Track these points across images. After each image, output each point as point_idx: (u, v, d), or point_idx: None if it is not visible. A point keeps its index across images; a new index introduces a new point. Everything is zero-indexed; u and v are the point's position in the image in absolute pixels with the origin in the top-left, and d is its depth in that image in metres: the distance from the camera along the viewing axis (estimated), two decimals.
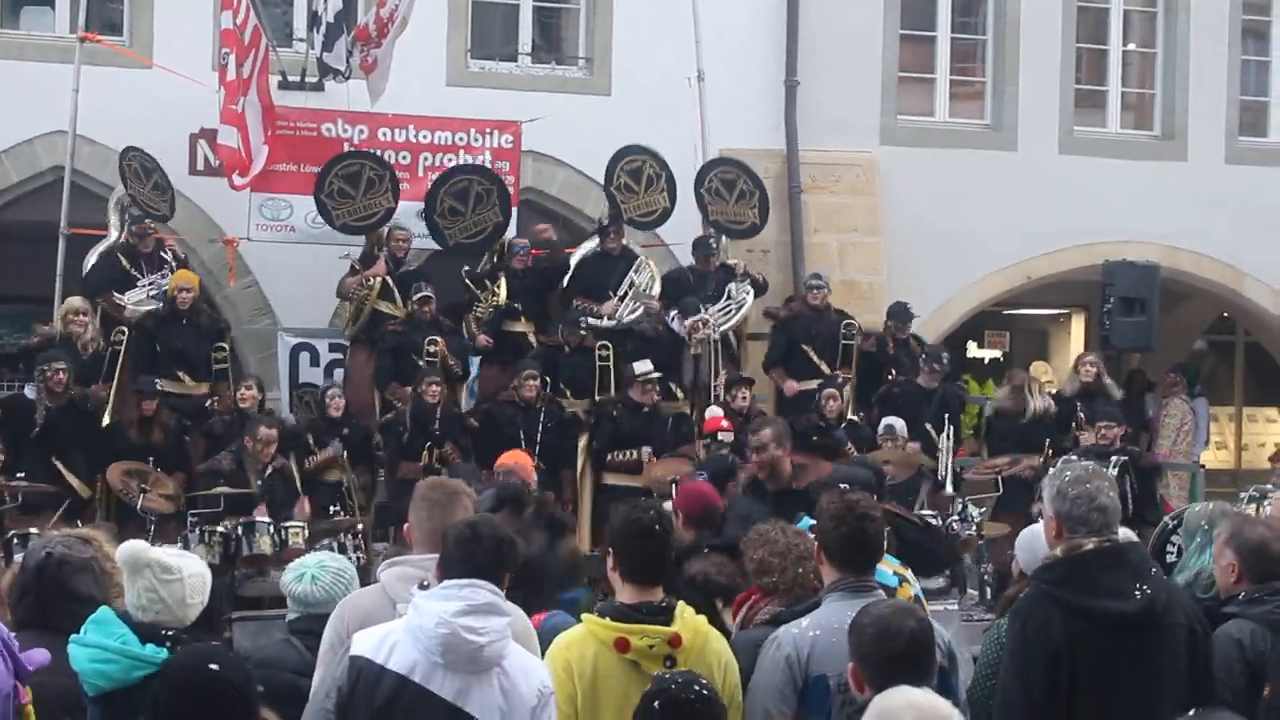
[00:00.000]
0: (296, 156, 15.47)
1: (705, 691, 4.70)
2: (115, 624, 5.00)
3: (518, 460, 10.71)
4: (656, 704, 4.61)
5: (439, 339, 14.45)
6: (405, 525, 5.77)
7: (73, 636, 4.95)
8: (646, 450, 13.88)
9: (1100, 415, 14.53)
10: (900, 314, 15.68)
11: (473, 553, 4.98)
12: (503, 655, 4.91)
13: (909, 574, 6.83)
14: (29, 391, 13.20)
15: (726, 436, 13.10)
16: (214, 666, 4.44)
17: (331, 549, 11.36)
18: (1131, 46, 19.44)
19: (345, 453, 13.60)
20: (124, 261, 14.58)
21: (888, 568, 6.71)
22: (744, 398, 14.28)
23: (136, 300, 14.32)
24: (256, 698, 4.53)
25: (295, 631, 6.16)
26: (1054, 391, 16.23)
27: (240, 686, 4.45)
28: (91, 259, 14.72)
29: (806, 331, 15.35)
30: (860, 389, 15.47)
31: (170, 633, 5.06)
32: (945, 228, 17.56)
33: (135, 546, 5.31)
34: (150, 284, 14.42)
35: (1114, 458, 13.83)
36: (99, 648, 4.88)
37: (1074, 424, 15.00)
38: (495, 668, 4.88)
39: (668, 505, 8.04)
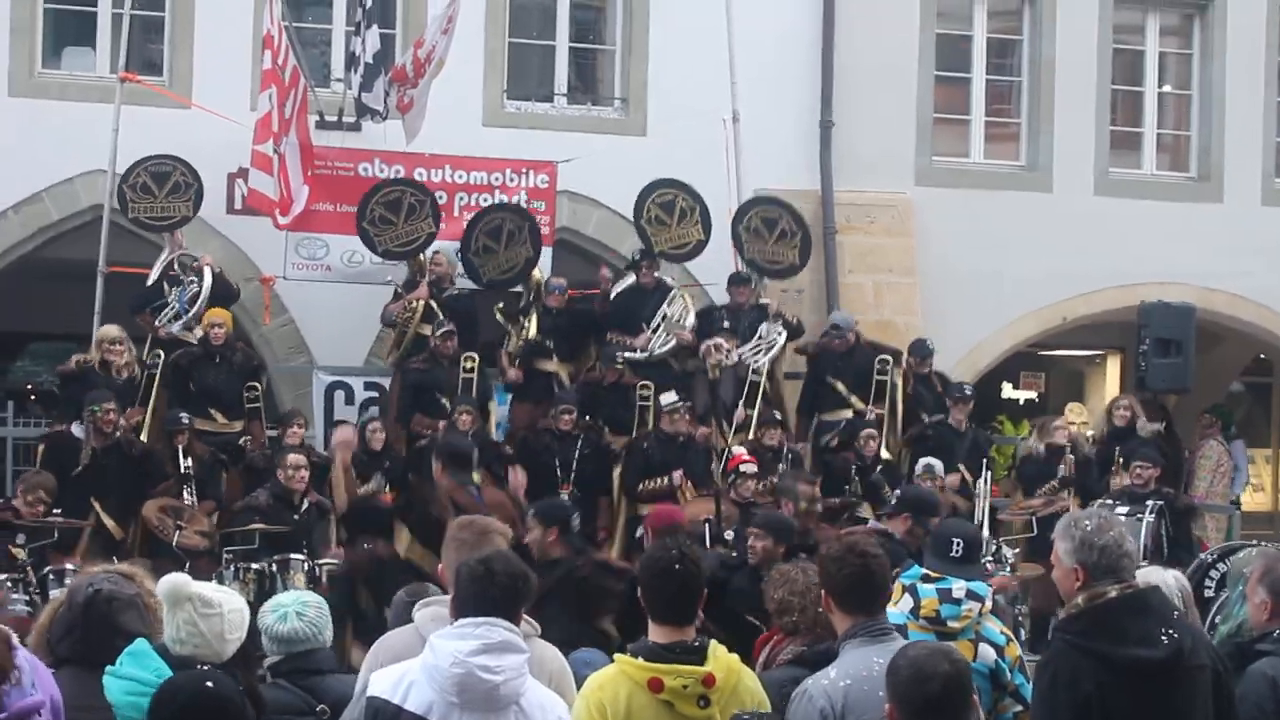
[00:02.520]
0: (333, 196, 15.55)
1: None
2: (151, 657, 5.03)
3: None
4: None
5: (475, 355, 14.51)
6: (439, 566, 5.76)
7: (108, 669, 4.97)
8: (678, 474, 13.77)
9: (1136, 455, 14.46)
10: (920, 350, 15.64)
11: (487, 589, 4.97)
12: (520, 693, 4.90)
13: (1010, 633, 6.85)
14: (76, 430, 13.22)
15: (749, 468, 13.08)
16: (210, 684, 4.46)
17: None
18: (1167, 88, 19.45)
19: (388, 485, 13.61)
20: (165, 285, 14.64)
21: (995, 627, 6.75)
22: (773, 437, 14.25)
23: (167, 318, 14.36)
24: (252, 716, 4.55)
25: (280, 674, 6.05)
26: (1091, 434, 16.17)
27: (236, 704, 4.46)
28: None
29: (834, 365, 15.32)
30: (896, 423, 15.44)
31: (206, 667, 5.07)
32: (980, 269, 17.55)
33: (177, 580, 5.34)
34: (176, 297, 14.43)
35: (1150, 501, 13.76)
36: (134, 680, 4.90)
37: (1112, 467, 14.92)
38: (513, 705, 4.87)
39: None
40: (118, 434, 13.12)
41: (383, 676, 4.96)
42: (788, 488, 12.13)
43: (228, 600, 5.36)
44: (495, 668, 4.80)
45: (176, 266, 14.69)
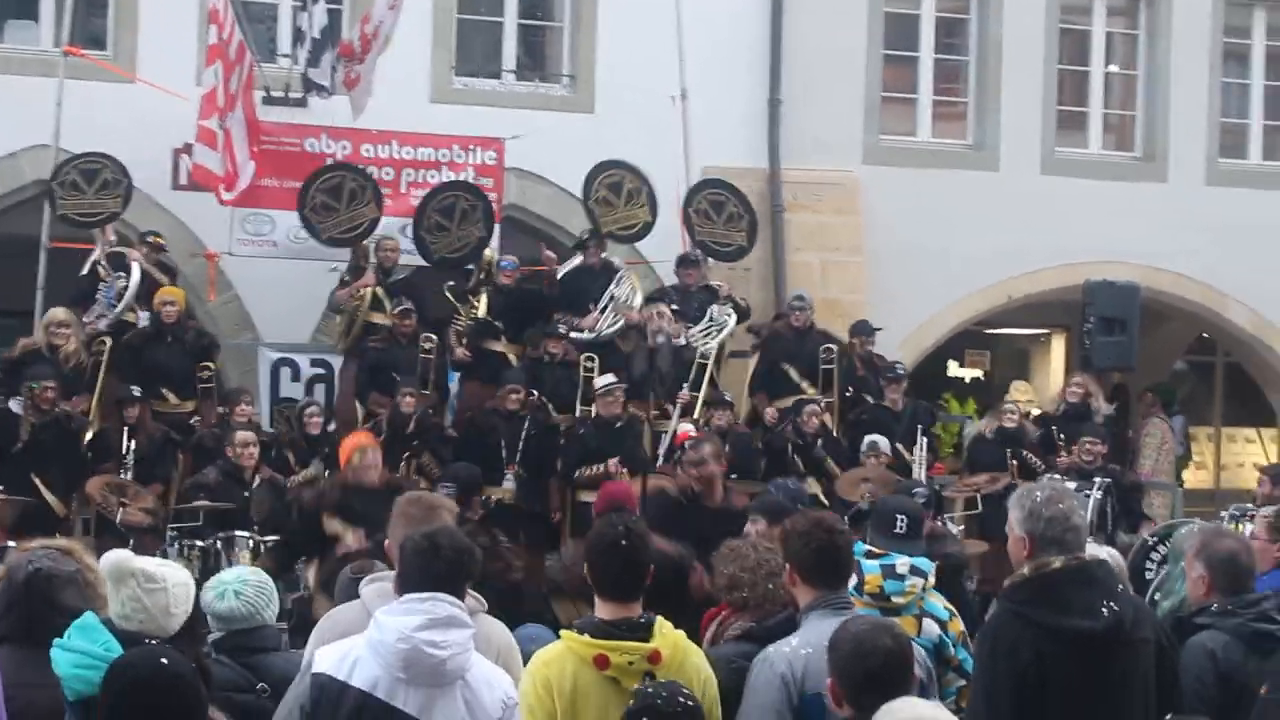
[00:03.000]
0: (279, 172, 15.47)
1: (690, 702, 4.73)
2: (99, 630, 5.01)
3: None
4: (645, 719, 4.64)
5: (434, 336, 14.51)
6: (386, 541, 5.74)
7: (56, 641, 4.95)
8: (613, 462, 13.70)
9: (1084, 432, 14.56)
10: (863, 329, 15.71)
11: (431, 564, 4.96)
12: (465, 668, 4.90)
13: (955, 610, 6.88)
14: (13, 405, 13.14)
15: None
16: (164, 661, 4.45)
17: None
18: (1113, 68, 19.56)
19: (327, 471, 13.59)
20: (103, 269, 14.52)
21: (938, 601, 6.78)
22: (721, 418, 14.23)
23: (94, 314, 14.22)
24: (205, 692, 4.53)
25: (223, 650, 6.02)
26: (1038, 412, 16.28)
27: (190, 680, 4.45)
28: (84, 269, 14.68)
29: (787, 350, 15.35)
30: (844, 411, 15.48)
31: (153, 641, 5.06)
32: (927, 247, 17.61)
33: (119, 556, 5.31)
34: (106, 290, 14.32)
35: (1097, 478, 13.86)
36: (82, 653, 4.88)
37: (1056, 444, 15.02)
38: (459, 680, 4.87)
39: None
40: (56, 410, 13.02)
41: (327, 653, 4.95)
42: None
43: (172, 575, 5.33)
44: (441, 643, 4.80)
45: (104, 262, 14.54)
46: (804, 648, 5.36)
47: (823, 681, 5.06)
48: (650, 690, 4.83)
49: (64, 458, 13.12)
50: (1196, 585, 6.20)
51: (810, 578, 5.62)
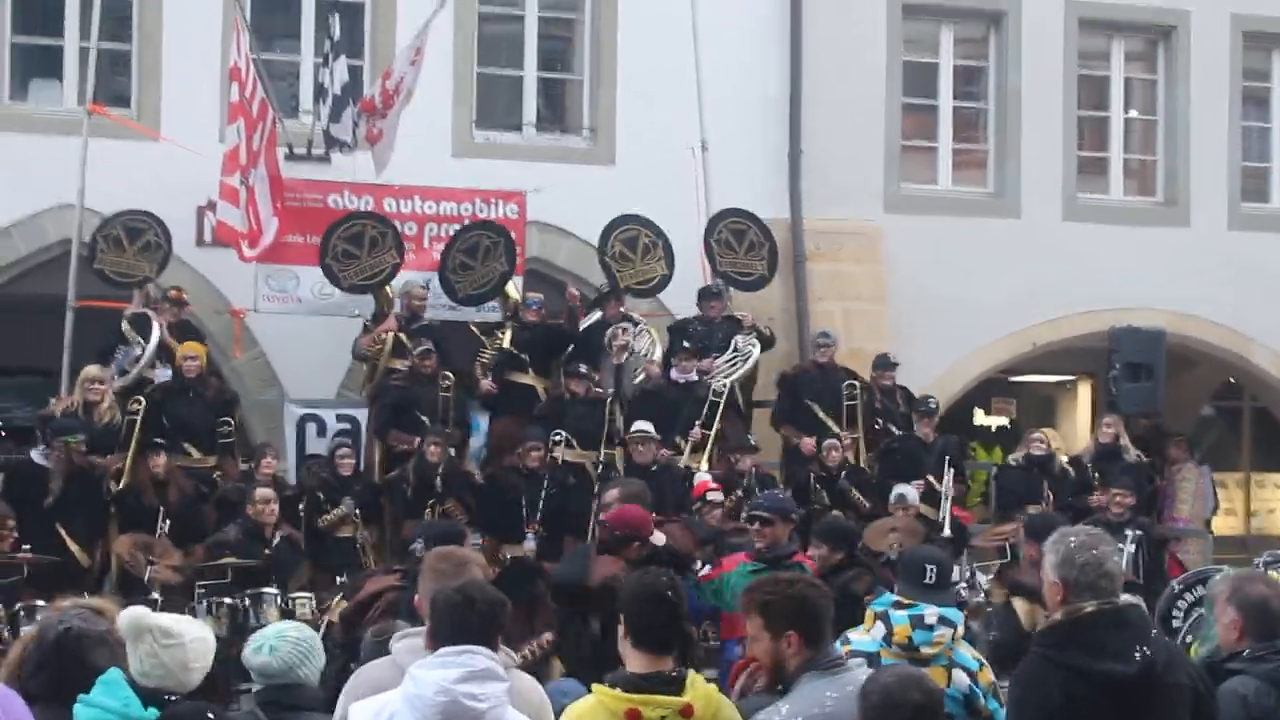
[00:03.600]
0: (303, 228, 15.52)
1: None
2: (121, 686, 5.02)
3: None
4: None
5: (451, 375, 14.59)
6: (415, 597, 5.72)
7: (81, 696, 4.95)
8: None
9: (1116, 484, 14.49)
10: (883, 364, 15.71)
11: (466, 617, 4.96)
12: None
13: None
14: (36, 456, 13.16)
15: (715, 496, 13.06)
16: (210, 716, 4.44)
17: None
18: (1133, 114, 19.56)
19: (358, 510, 13.59)
20: (126, 332, 14.55)
21: (967, 651, 6.74)
22: (745, 463, 14.25)
23: (112, 373, 14.19)
24: None
25: (263, 704, 6.04)
26: (1068, 455, 16.23)
27: None
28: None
29: (812, 388, 15.37)
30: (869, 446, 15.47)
31: (174, 697, 5.07)
32: (950, 295, 17.59)
33: (135, 612, 5.31)
34: (125, 353, 14.36)
35: (1129, 531, 13.80)
36: (101, 709, 4.89)
37: (1092, 486, 14.97)
38: None
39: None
40: (79, 462, 13.08)
41: (362, 708, 4.94)
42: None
43: (189, 630, 5.33)
44: (480, 695, 4.79)
45: (127, 326, 14.57)
46: (794, 717, 5.18)
47: None
48: None
49: (88, 509, 13.21)
50: (1229, 630, 6.15)
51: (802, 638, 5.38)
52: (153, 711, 5.06)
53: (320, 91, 15.56)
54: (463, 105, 17.16)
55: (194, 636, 5.37)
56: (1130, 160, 19.50)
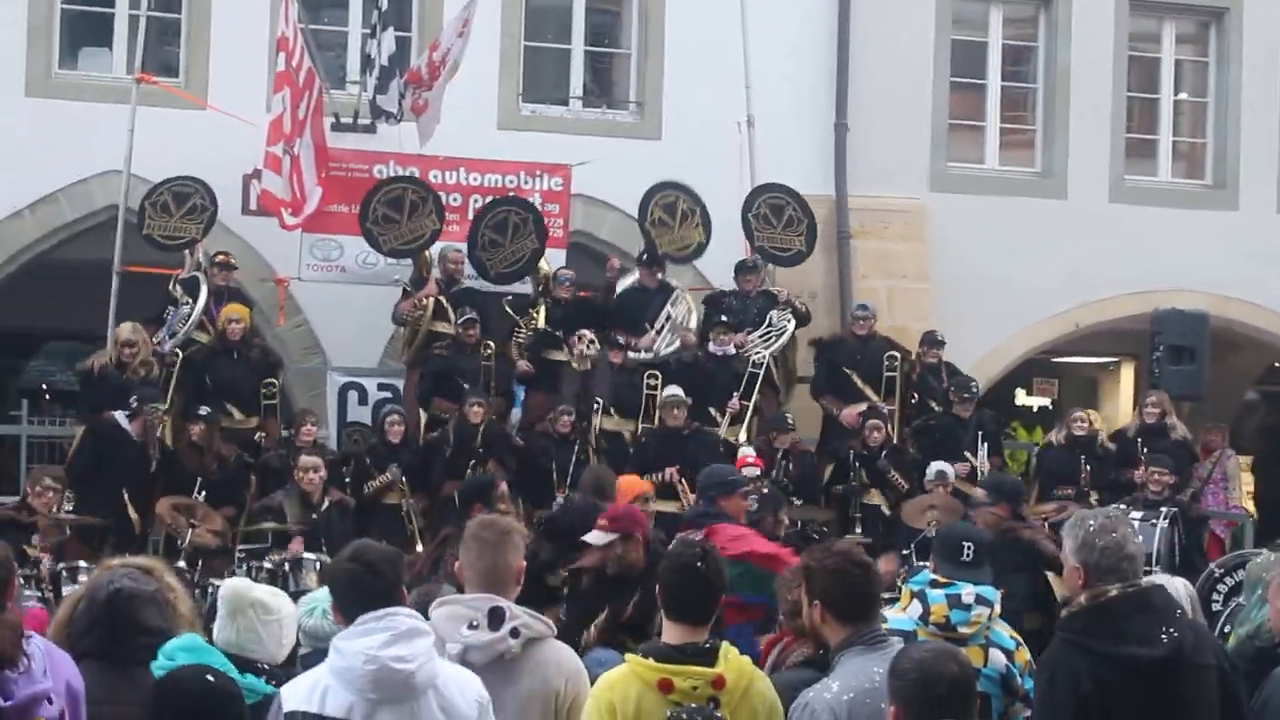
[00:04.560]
0: (348, 198, 15.57)
1: None
2: (211, 652, 5.09)
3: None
4: None
5: (492, 343, 14.62)
6: (456, 563, 5.74)
7: (162, 665, 5.02)
8: (671, 470, 13.73)
9: (1154, 461, 14.40)
10: (930, 340, 15.64)
11: (370, 584, 4.93)
12: (435, 675, 4.87)
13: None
14: (120, 418, 13.27)
15: (751, 472, 13.09)
16: (210, 678, 4.48)
17: None
18: (1183, 95, 19.42)
19: (404, 476, 13.64)
20: (176, 293, 14.65)
21: (1005, 631, 6.73)
22: (783, 441, 14.27)
23: (161, 336, 14.35)
24: (248, 714, 4.57)
25: (307, 667, 6.12)
26: (1111, 432, 16.13)
27: (237, 699, 4.48)
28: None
29: (851, 357, 15.31)
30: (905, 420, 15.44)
31: (265, 666, 5.19)
32: (994, 275, 17.54)
33: (239, 585, 5.38)
34: (174, 314, 14.45)
35: (1164, 508, 13.73)
36: None
37: (1137, 460, 14.87)
38: (430, 689, 4.85)
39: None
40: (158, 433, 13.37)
41: (294, 688, 4.90)
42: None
43: (285, 606, 5.42)
44: (407, 656, 4.78)
45: (178, 287, 14.67)
46: (845, 693, 5.18)
47: None
48: (685, 715, 4.82)
49: (147, 474, 13.35)
50: None
51: (840, 616, 5.44)
52: (249, 677, 5.12)
53: (367, 62, 15.59)
54: (509, 78, 17.19)
55: (288, 612, 5.45)
56: (1179, 142, 19.37)
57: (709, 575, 5.35)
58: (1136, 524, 12.26)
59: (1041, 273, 17.82)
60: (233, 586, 5.39)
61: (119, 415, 13.29)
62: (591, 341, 14.75)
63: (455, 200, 15.87)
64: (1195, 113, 19.45)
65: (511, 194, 15.82)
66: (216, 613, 5.75)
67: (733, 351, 14.83)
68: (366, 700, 4.78)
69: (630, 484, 10.72)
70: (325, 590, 6.54)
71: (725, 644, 5.33)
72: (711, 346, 14.86)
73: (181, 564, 11.47)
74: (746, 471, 13.01)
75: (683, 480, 13.55)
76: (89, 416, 13.71)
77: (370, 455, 13.82)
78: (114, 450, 13.21)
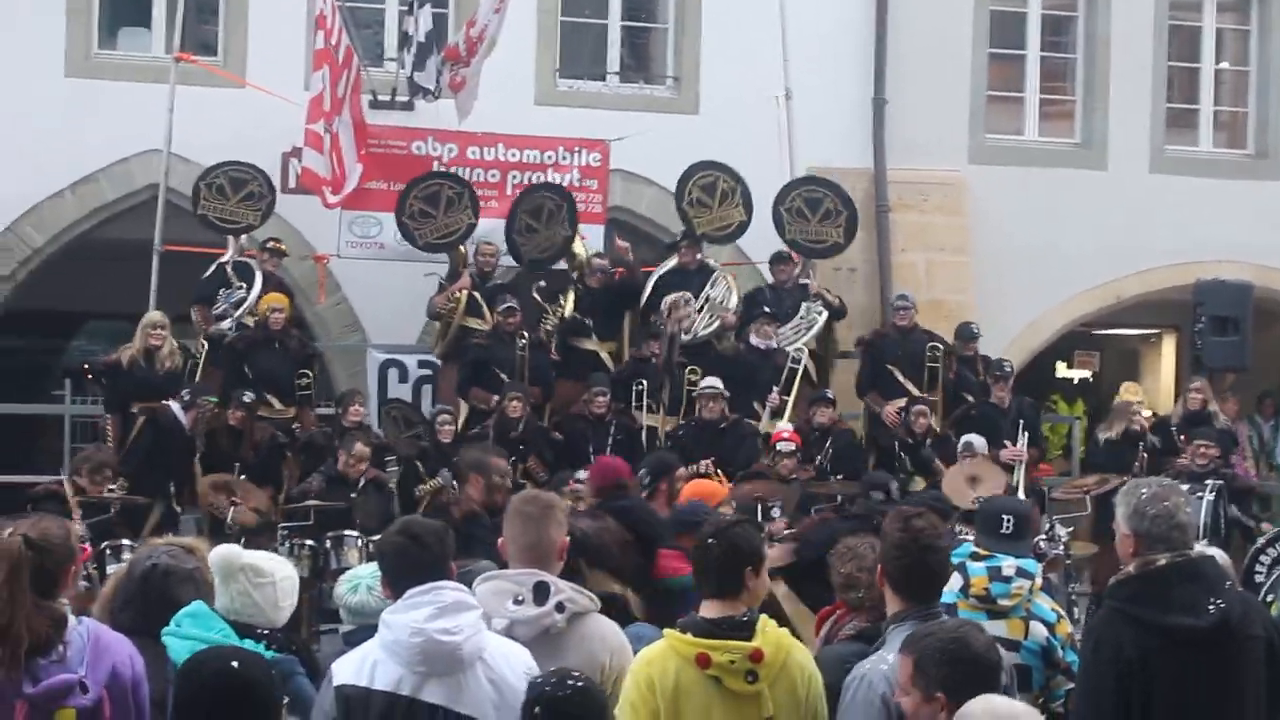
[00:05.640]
0: (387, 175, 15.61)
1: (580, 683, 4.78)
2: (212, 618, 5.12)
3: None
4: (537, 710, 4.68)
5: (525, 334, 14.57)
6: (500, 540, 5.76)
7: (168, 630, 5.04)
8: (706, 462, 13.65)
9: (1197, 435, 14.34)
10: (965, 333, 15.52)
11: (418, 557, 4.98)
12: (482, 648, 4.89)
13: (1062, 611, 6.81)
14: (174, 407, 13.39)
15: (786, 446, 13.05)
16: (235, 664, 4.49)
17: None
18: (1224, 65, 19.28)
19: (455, 483, 13.61)
20: (229, 275, 14.74)
21: (1045, 603, 6.72)
22: (824, 415, 14.23)
23: (217, 312, 14.48)
24: (278, 699, 4.57)
25: (351, 643, 6.14)
26: (1155, 415, 16.06)
27: (263, 685, 4.49)
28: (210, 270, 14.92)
29: (893, 352, 15.23)
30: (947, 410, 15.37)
31: (265, 631, 5.17)
32: (1034, 247, 17.46)
33: (228, 551, 5.40)
34: (226, 297, 14.54)
35: (1209, 481, 13.68)
36: (200, 640, 4.98)
37: (1179, 450, 14.81)
38: (478, 661, 4.87)
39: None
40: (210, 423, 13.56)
41: (344, 663, 4.95)
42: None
43: (279, 569, 5.43)
44: (454, 628, 4.80)
45: (230, 270, 14.75)
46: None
47: None
48: (539, 680, 4.84)
49: (186, 462, 13.49)
50: None
51: (899, 589, 5.46)
52: (249, 642, 5.16)
53: (405, 39, 15.61)
54: (546, 54, 17.18)
55: (284, 575, 5.47)
56: (1220, 112, 19.25)
57: (725, 548, 5.34)
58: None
59: (1082, 244, 17.73)
60: (221, 553, 5.42)
61: (173, 404, 13.41)
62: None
63: (494, 177, 15.88)
64: (1237, 82, 19.31)
65: (553, 180, 15.81)
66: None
67: (774, 345, 14.78)
68: (415, 673, 4.81)
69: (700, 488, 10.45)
70: (367, 566, 6.58)
71: (764, 617, 5.33)
72: (753, 339, 14.81)
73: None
74: (781, 446, 13.03)
75: (719, 471, 13.53)
76: (149, 407, 13.77)
77: (421, 459, 13.76)
78: (170, 441, 13.34)
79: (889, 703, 5.10)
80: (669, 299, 14.70)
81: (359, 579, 6.25)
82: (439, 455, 13.65)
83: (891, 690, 5.10)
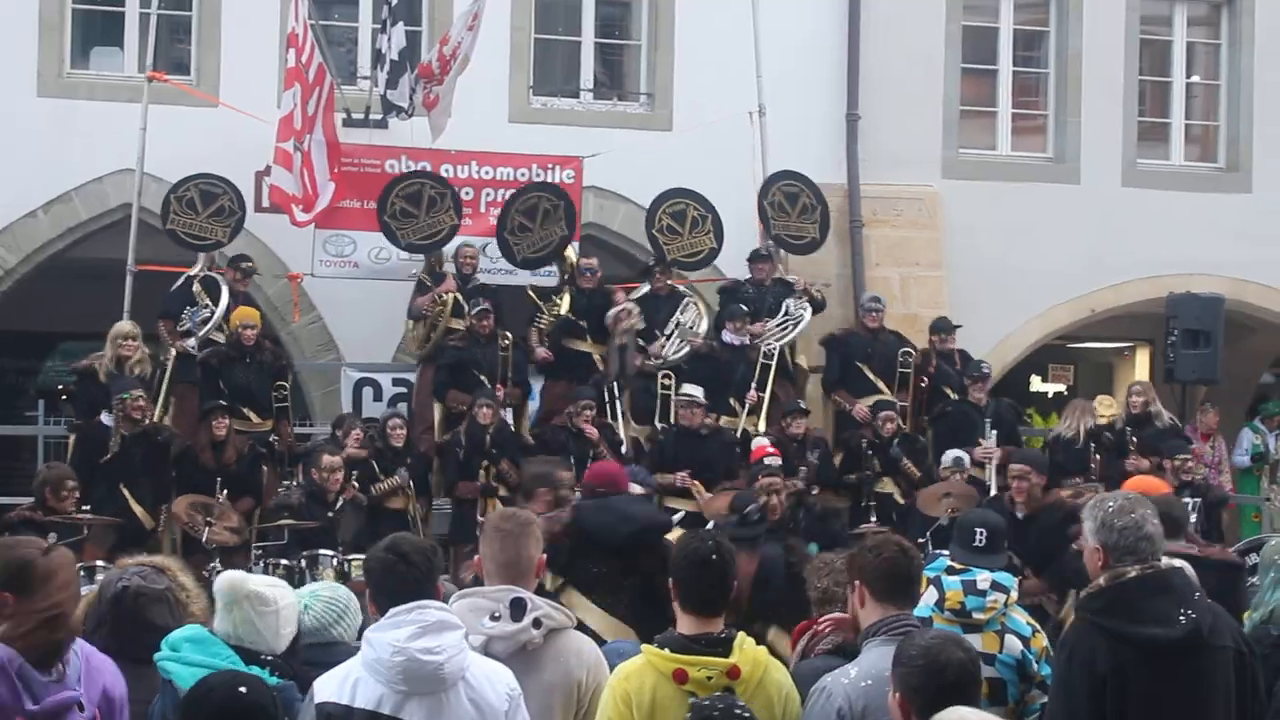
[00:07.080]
0: (360, 193, 15.62)
1: (746, 714, 4.77)
2: (215, 643, 5.12)
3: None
4: None
5: (509, 334, 14.61)
6: (476, 557, 5.76)
7: (166, 656, 5.03)
8: (682, 475, 13.74)
9: (1172, 450, 14.33)
10: (942, 327, 15.59)
11: (404, 574, 4.96)
12: (464, 668, 4.89)
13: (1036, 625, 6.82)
14: (106, 419, 13.33)
15: (774, 461, 13.08)
16: (243, 690, 4.49)
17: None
18: (1195, 79, 19.37)
19: (411, 481, 13.65)
20: (195, 292, 14.67)
21: (1021, 618, 6.72)
22: (799, 427, 14.25)
23: (181, 330, 14.40)
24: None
25: (305, 663, 6.14)
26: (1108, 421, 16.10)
27: (269, 711, 4.49)
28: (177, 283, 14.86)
29: (862, 350, 15.30)
30: (918, 413, 15.41)
31: (269, 657, 5.18)
32: (1008, 261, 17.52)
33: (235, 578, 5.39)
34: (191, 315, 14.47)
35: (1185, 494, 13.67)
36: (206, 666, 4.97)
37: (1129, 453, 14.84)
38: (460, 681, 4.86)
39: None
40: (146, 422, 13.30)
41: (326, 680, 4.92)
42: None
43: (282, 596, 5.43)
44: (436, 648, 4.79)
45: (197, 286, 14.71)
46: (863, 679, 5.24)
47: (881, 714, 5.00)
48: (707, 703, 4.82)
49: (153, 471, 13.38)
50: None
51: (878, 594, 5.48)
52: (254, 669, 5.15)
53: (378, 57, 15.64)
54: (520, 71, 17.19)
55: (286, 603, 5.46)
56: (1192, 126, 19.34)
57: (721, 567, 5.36)
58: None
59: (1055, 258, 17.79)
60: (228, 579, 5.40)
61: (104, 416, 13.38)
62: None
63: (468, 194, 15.89)
64: (1208, 96, 19.41)
65: (544, 181, 15.87)
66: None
67: (747, 340, 14.83)
68: (396, 692, 4.80)
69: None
70: (311, 586, 6.58)
71: (740, 634, 5.35)
72: (726, 335, 14.87)
73: (216, 563, 11.47)
74: (768, 461, 13.03)
75: (696, 482, 13.60)
76: (79, 424, 13.81)
77: (377, 459, 13.80)
78: (99, 452, 13.20)
79: (844, 716, 5.16)
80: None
81: (298, 599, 6.23)
82: (393, 457, 13.75)
83: (849, 704, 5.15)
